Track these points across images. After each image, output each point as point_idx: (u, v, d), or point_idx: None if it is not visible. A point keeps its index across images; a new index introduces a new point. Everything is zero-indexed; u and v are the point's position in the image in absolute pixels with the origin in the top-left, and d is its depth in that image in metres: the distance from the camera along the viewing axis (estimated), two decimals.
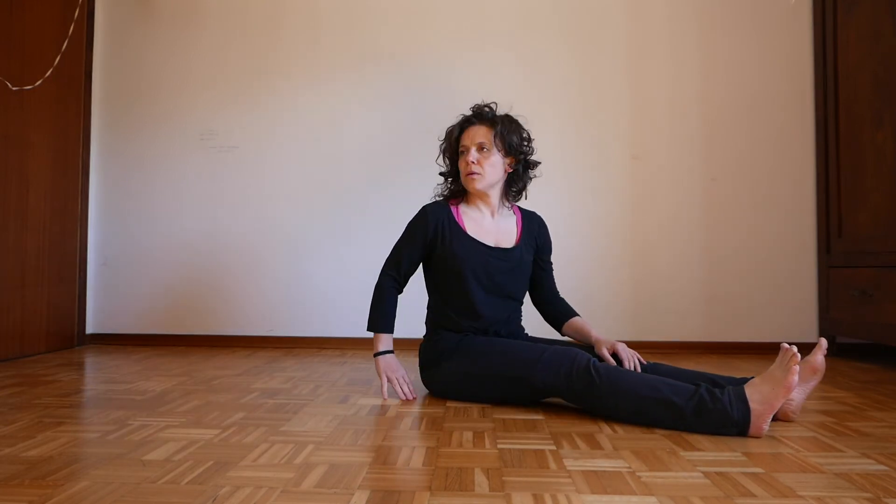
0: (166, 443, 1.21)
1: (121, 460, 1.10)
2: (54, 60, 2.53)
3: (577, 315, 1.75)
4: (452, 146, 1.69)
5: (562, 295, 1.83)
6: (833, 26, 2.49)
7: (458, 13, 2.75)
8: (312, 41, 2.78)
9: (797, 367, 1.22)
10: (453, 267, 1.62)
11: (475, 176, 1.62)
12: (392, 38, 2.75)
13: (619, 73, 2.71)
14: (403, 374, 1.66)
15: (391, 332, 1.68)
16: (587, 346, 1.65)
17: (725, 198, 2.66)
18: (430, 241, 1.66)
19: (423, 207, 1.69)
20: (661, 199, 2.68)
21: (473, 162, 1.61)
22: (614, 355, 1.56)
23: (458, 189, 1.73)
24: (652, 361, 1.57)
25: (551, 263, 1.81)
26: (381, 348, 1.65)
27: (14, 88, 2.32)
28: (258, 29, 2.79)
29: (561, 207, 2.66)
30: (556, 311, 1.78)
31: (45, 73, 2.48)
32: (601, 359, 1.55)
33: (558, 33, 2.72)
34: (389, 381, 1.64)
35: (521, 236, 1.70)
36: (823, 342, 1.35)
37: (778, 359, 1.28)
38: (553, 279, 1.82)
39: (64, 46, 2.58)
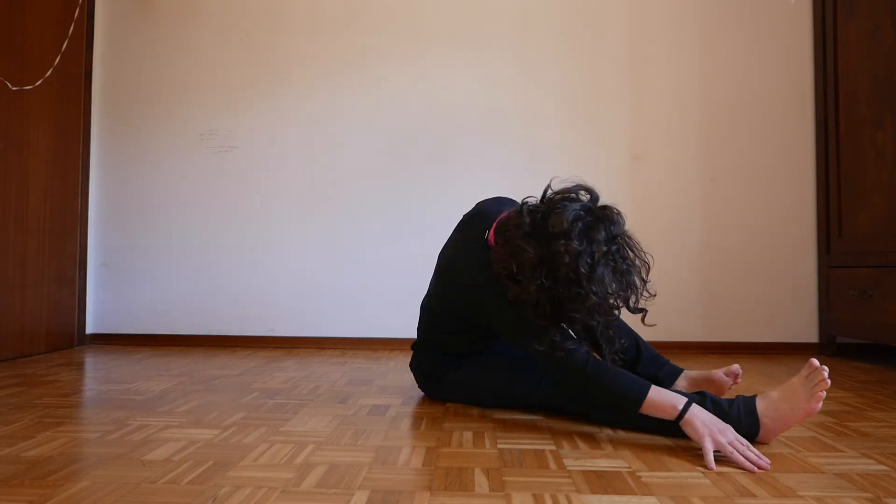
0: (166, 443, 1.21)
1: (121, 460, 1.09)
2: (54, 60, 2.53)
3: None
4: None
5: None
6: (833, 26, 2.49)
7: (458, 13, 2.75)
8: (312, 41, 2.77)
9: (824, 394, 1.11)
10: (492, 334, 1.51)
11: None
12: (392, 38, 2.75)
13: (619, 73, 2.70)
14: (737, 434, 1.13)
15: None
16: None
17: (725, 198, 2.66)
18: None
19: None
20: (661, 198, 2.68)
21: None
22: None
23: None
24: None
25: None
26: (681, 404, 1.17)
27: (14, 88, 2.32)
28: (258, 29, 2.79)
29: None
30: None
31: (45, 73, 2.47)
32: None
33: (558, 33, 2.72)
34: (729, 447, 1.09)
35: None
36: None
37: (802, 374, 1.16)
38: None
39: (64, 46, 2.58)
